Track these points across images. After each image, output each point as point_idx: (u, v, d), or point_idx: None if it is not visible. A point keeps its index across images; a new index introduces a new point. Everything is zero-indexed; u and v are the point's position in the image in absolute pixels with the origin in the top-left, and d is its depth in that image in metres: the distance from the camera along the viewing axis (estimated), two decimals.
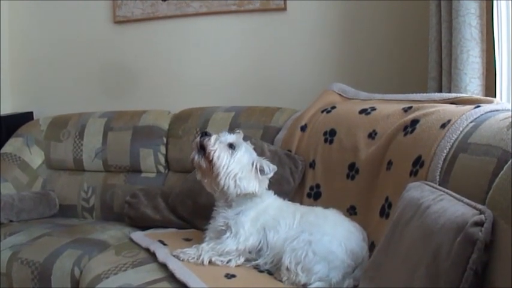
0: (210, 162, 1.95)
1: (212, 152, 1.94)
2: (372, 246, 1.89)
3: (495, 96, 2.15)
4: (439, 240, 1.16)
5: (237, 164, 1.97)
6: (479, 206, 1.18)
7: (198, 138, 1.99)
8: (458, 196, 1.32)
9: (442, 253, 1.13)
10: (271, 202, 2.06)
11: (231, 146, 1.98)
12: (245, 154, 2.01)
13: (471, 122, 1.70)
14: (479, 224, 1.11)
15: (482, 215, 1.13)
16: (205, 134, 1.98)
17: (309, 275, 1.77)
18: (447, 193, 1.37)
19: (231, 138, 2.00)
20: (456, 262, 1.10)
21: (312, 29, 2.93)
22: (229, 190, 1.97)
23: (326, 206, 2.06)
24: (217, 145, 1.95)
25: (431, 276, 1.15)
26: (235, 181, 1.96)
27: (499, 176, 1.21)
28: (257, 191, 2.00)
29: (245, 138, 2.10)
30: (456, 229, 1.13)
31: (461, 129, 1.69)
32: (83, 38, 3.38)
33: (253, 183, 1.99)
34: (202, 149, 1.97)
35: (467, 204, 1.23)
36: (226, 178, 1.95)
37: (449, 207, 1.24)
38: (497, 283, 1.11)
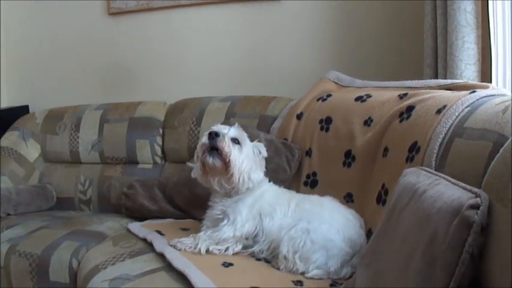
0: (225, 163, 1.92)
1: (229, 154, 1.91)
2: (369, 233, 1.89)
3: (491, 82, 2.14)
4: (435, 224, 1.16)
5: (246, 159, 1.96)
6: (475, 190, 1.18)
7: (206, 140, 1.94)
8: (454, 180, 1.31)
9: (438, 237, 1.13)
10: (267, 188, 2.07)
11: (235, 141, 1.96)
12: (249, 146, 2.01)
13: (467, 107, 1.70)
14: (475, 207, 1.11)
15: (478, 198, 1.13)
16: (215, 135, 1.92)
17: (307, 264, 1.78)
18: (443, 178, 1.36)
19: (232, 132, 1.98)
20: (452, 245, 1.10)
21: (307, 17, 2.91)
22: (242, 186, 1.97)
23: (323, 194, 2.06)
24: (230, 146, 1.92)
25: (428, 259, 1.14)
26: (249, 176, 1.96)
27: (495, 159, 1.20)
28: (261, 178, 2.02)
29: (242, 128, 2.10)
30: (452, 212, 1.13)
31: (456, 114, 1.69)
32: (78, 30, 3.37)
33: (259, 172, 2.01)
34: (214, 149, 1.92)
35: (463, 188, 1.23)
36: (240, 176, 1.94)
37: (445, 191, 1.24)
38: (493, 265, 1.11)
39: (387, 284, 1.29)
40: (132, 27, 3.25)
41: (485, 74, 2.20)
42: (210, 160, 1.93)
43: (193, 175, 2.07)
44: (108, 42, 3.32)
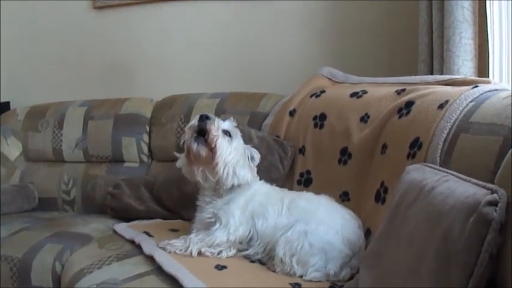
0: (211, 149, 1.84)
1: (215, 139, 1.83)
2: (367, 233, 1.84)
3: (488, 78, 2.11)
4: (449, 221, 1.10)
5: (235, 153, 1.89)
6: (490, 185, 1.12)
7: (196, 122, 1.86)
8: (464, 176, 1.25)
9: (453, 235, 1.07)
10: (258, 188, 1.99)
11: (226, 133, 1.89)
12: (240, 143, 1.94)
13: (471, 102, 1.65)
14: (493, 203, 1.05)
15: (495, 194, 1.07)
16: (206, 118, 1.84)
17: (305, 267, 1.70)
18: (452, 174, 1.31)
19: (225, 125, 1.91)
20: (470, 244, 1.03)
21: (299, 11, 2.87)
22: (227, 180, 1.88)
23: (318, 193, 1.99)
24: (219, 131, 1.85)
25: (442, 259, 1.08)
26: (234, 171, 1.88)
27: (509, 153, 1.15)
28: (250, 181, 1.94)
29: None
30: (468, 209, 1.07)
31: (461, 109, 1.64)
32: (62, 24, 3.32)
33: (248, 173, 1.93)
34: (201, 134, 1.84)
35: (476, 184, 1.17)
36: (225, 167, 1.86)
37: (457, 187, 1.18)
38: (510, 266, 1.04)
39: (396, 284, 1.22)
40: (118, 21, 3.21)
41: (482, 71, 2.18)
42: (194, 146, 1.84)
43: (178, 165, 2.00)
44: (94, 37, 3.27)
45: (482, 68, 2.17)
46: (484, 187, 1.13)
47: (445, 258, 1.08)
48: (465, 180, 1.23)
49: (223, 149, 1.85)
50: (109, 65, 3.24)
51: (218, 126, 1.85)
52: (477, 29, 2.15)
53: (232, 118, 1.97)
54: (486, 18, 2.13)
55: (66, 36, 3.31)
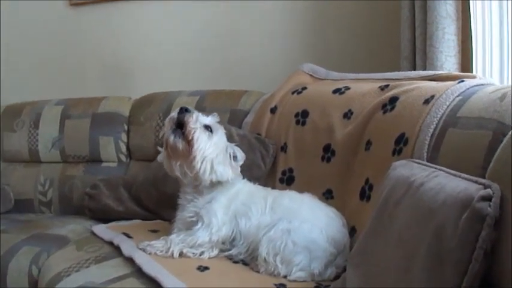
0: (188, 142, 1.80)
1: (193, 131, 1.79)
2: (352, 231, 1.81)
3: None
4: (441, 218, 1.07)
5: (214, 148, 1.84)
6: (482, 180, 1.09)
7: (175, 114, 1.83)
8: (454, 172, 1.23)
9: (445, 232, 1.04)
10: (242, 187, 1.96)
11: (207, 128, 1.85)
12: (221, 139, 1.90)
13: (457, 96, 1.63)
14: (486, 198, 1.02)
15: (488, 189, 1.04)
16: (185, 110, 1.81)
17: (289, 267, 1.67)
18: (441, 169, 1.28)
19: (207, 120, 1.87)
20: (463, 241, 1.00)
21: (279, 8, 2.84)
22: (204, 175, 1.84)
23: (300, 191, 1.97)
24: (198, 124, 1.81)
25: (434, 257, 1.05)
26: (212, 166, 1.84)
27: (501, 147, 1.13)
28: (230, 179, 1.90)
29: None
30: (461, 205, 1.04)
31: (447, 103, 1.62)
32: (37, 21, 3.26)
33: (228, 170, 1.89)
34: (179, 127, 1.81)
35: (467, 179, 1.14)
36: (203, 162, 1.82)
37: (448, 182, 1.15)
38: (505, 262, 1.02)
39: (386, 284, 1.19)
40: (95, 18, 3.15)
41: (466, 66, 2.16)
42: (171, 138, 1.80)
43: (159, 159, 1.97)
44: (70, 34, 3.21)
45: (466, 64, 2.16)
46: (476, 182, 1.10)
47: (437, 256, 1.05)
48: (455, 175, 1.20)
49: (201, 142, 1.81)
50: (85, 63, 3.20)
51: (197, 119, 1.82)
52: (460, 24, 2.14)
53: (216, 114, 1.94)
54: (469, 14, 2.12)
55: (42, 34, 3.25)
